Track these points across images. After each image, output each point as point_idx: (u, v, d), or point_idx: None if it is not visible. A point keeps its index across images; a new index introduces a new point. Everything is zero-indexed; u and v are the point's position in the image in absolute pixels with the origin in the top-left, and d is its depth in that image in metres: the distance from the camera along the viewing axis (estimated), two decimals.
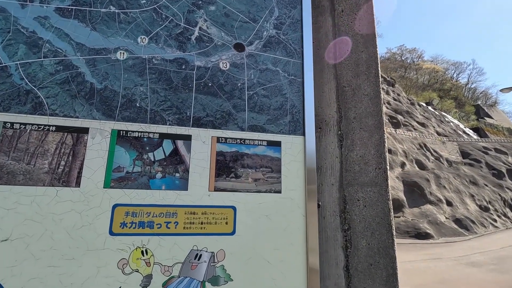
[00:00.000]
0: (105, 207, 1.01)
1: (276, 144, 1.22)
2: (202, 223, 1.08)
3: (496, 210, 25.62)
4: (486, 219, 23.44)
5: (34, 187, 0.98)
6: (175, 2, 1.27)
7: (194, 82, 1.20)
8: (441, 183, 24.72)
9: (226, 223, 1.10)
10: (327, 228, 1.20)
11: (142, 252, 1.01)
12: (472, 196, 25.41)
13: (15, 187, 0.97)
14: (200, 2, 1.30)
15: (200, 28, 1.27)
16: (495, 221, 23.89)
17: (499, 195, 28.12)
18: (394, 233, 1.21)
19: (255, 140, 1.21)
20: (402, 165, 25.88)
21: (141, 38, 1.20)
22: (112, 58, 1.15)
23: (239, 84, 1.25)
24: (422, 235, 20.36)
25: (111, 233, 1.00)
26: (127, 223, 1.02)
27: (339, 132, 1.29)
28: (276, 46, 1.33)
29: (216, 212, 1.10)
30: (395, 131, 34.12)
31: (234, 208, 1.12)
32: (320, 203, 1.20)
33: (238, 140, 1.19)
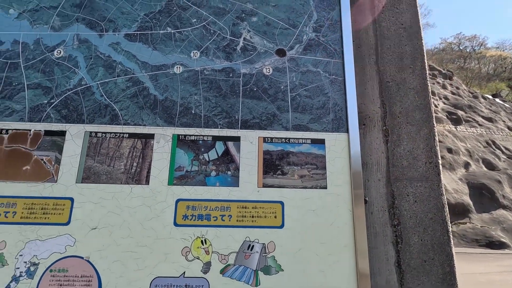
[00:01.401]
0: (170, 202, 1.17)
1: (320, 142, 1.27)
2: (253, 217, 1.17)
3: None
4: None
5: (113, 185, 1.18)
6: (221, 17, 1.41)
7: (241, 88, 1.32)
8: None
9: (275, 217, 1.18)
10: (375, 224, 1.20)
11: (201, 241, 1.14)
12: None
13: (100, 185, 1.17)
14: (244, 14, 1.42)
15: (244, 39, 1.38)
16: None
17: None
18: (450, 229, 1.16)
19: (299, 138, 1.27)
20: (466, 165, 23.15)
21: (193, 52, 1.35)
22: (170, 72, 1.32)
23: (282, 87, 1.33)
24: (495, 244, 17.90)
25: (175, 224, 1.15)
26: (188, 215, 1.16)
27: (384, 127, 1.29)
28: (316, 48, 1.39)
29: (265, 207, 1.19)
30: (456, 128, 30.87)
31: (282, 203, 1.19)
32: (367, 198, 1.21)
33: (283, 139, 1.26)
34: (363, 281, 1.11)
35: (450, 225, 1.17)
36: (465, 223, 21.10)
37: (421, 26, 1.41)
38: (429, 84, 1.34)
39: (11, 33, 1.34)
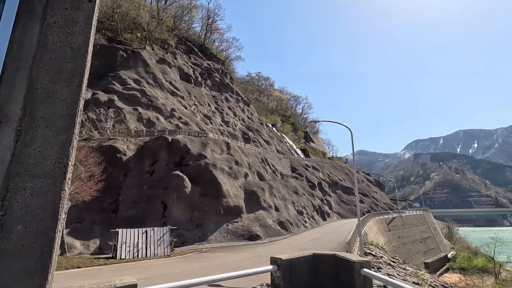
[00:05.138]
0: None
1: None
2: None
3: (307, 213, 33.17)
4: (300, 221, 29.91)
5: None
6: None
7: None
8: (273, 192, 29.72)
9: None
10: None
11: None
12: (293, 202, 31.91)
13: None
14: None
15: None
16: (306, 222, 30.85)
17: (311, 202, 36.66)
18: (60, 217, 1.44)
19: None
20: (246, 175, 29.42)
21: None
22: None
23: None
24: (253, 237, 23.63)
25: None
26: None
27: (19, 128, 1.42)
28: None
29: None
30: (245, 145, 38.69)
31: None
32: None
33: None
34: None
35: (61, 214, 1.44)
36: (238, 222, 26.23)
37: (89, 52, 1.70)
38: (82, 100, 1.62)
39: None
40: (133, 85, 32.41)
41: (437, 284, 12.47)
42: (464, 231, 75.35)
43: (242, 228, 23.48)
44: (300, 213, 31.97)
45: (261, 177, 31.83)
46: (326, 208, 40.00)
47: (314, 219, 34.28)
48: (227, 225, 23.34)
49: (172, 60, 42.46)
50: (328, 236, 23.87)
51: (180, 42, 49.88)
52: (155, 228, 16.60)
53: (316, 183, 42.54)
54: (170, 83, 37.78)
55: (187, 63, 46.46)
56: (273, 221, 26.50)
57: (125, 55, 34.71)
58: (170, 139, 25.03)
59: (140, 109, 30.39)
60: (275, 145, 50.06)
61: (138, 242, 15.63)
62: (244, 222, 24.02)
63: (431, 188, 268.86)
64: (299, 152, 61.31)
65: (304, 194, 36.83)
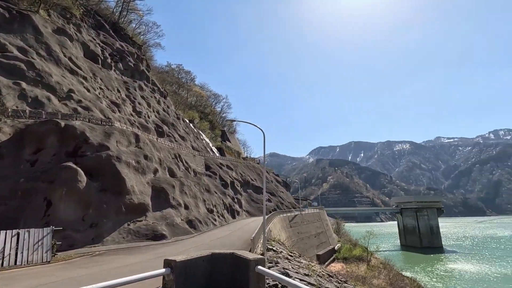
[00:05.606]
0: None
1: None
2: None
3: (218, 211, 33.29)
4: (210, 219, 29.73)
5: None
6: None
7: None
8: (184, 190, 28.61)
9: None
10: None
11: None
12: (204, 201, 31.51)
13: None
14: None
15: None
16: (215, 220, 30.90)
17: (222, 200, 36.99)
18: None
19: None
20: (155, 171, 27.40)
21: None
22: None
23: None
24: (158, 237, 22.11)
25: None
26: None
27: None
28: None
29: None
30: (157, 139, 36.15)
31: None
32: None
33: None
34: None
35: None
36: (142, 221, 24.13)
37: None
38: None
39: None
40: (16, 53, 26.26)
41: (324, 273, 14.20)
42: (349, 226, 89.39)
43: (146, 227, 21.71)
44: (210, 211, 31.82)
45: (172, 174, 30.28)
46: (237, 206, 41.08)
47: (224, 217, 34.69)
48: (128, 225, 21.19)
49: (75, 33, 36.37)
50: (235, 234, 24.45)
51: (88, 14, 43.26)
52: (32, 230, 13.71)
53: (229, 182, 43.20)
54: (70, 59, 32.22)
55: (94, 39, 40.59)
56: (182, 220, 25.53)
57: (7, 15, 27.81)
58: (63, 124, 21.22)
59: (24, 84, 24.80)
60: (191, 141, 48.61)
61: (4, 247, 12.59)
62: (149, 221, 22.28)
63: (327, 189, 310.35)
64: (215, 150, 61.22)
65: (216, 193, 36.87)
